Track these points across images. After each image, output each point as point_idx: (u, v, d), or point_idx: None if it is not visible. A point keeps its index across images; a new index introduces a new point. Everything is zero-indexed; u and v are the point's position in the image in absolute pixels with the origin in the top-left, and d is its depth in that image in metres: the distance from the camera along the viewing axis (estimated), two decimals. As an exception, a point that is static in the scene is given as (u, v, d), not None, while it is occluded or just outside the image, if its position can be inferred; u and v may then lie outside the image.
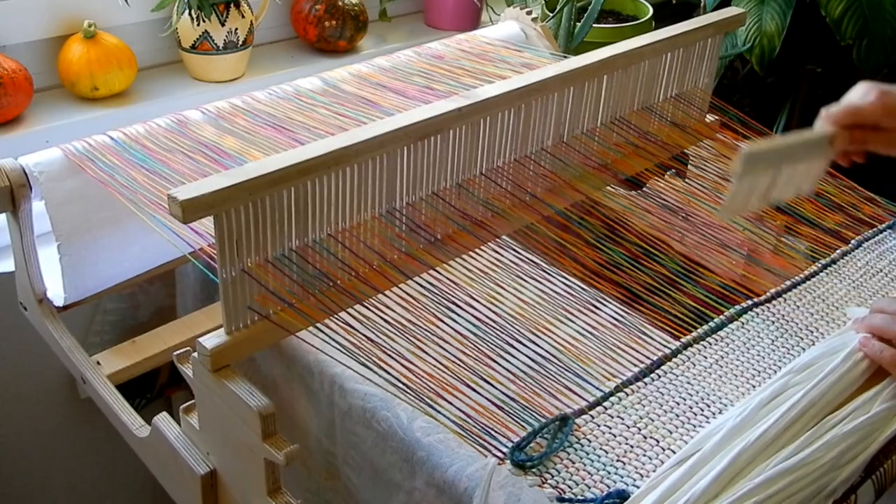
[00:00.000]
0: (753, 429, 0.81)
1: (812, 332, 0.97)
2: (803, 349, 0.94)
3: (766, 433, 0.80)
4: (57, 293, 1.09)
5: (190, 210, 0.77)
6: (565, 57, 1.29)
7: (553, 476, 0.79)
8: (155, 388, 1.44)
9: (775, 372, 0.90)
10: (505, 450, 0.81)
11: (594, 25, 1.73)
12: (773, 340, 0.95)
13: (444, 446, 0.88)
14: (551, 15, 1.74)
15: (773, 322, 0.98)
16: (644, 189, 1.19)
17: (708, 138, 1.30)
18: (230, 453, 0.90)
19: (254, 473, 0.86)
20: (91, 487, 1.56)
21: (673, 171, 1.25)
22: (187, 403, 0.95)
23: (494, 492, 0.79)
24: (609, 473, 0.79)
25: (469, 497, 0.82)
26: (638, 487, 0.78)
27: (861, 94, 0.97)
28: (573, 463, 0.80)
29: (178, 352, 0.92)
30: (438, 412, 0.83)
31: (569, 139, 1.15)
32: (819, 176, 1.01)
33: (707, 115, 1.35)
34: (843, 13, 1.83)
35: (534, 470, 0.79)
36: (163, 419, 0.97)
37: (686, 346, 0.93)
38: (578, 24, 1.73)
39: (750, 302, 1.00)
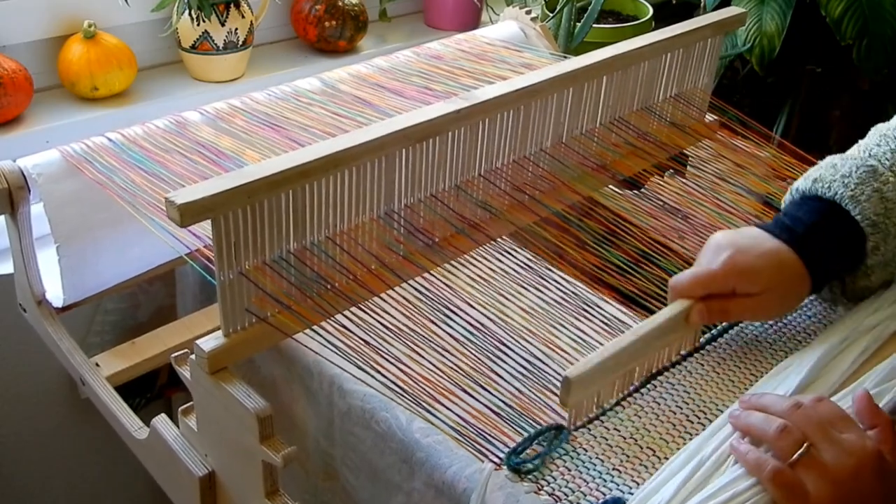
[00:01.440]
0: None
1: (810, 335, 0.97)
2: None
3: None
4: (56, 294, 1.09)
5: (188, 214, 0.77)
6: (565, 57, 1.29)
7: (549, 483, 0.79)
8: (155, 388, 1.44)
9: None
10: (501, 455, 0.81)
11: (594, 25, 1.73)
12: (770, 345, 0.95)
13: (443, 447, 0.88)
14: (551, 15, 1.74)
15: (770, 326, 0.98)
16: (642, 190, 1.19)
17: (707, 138, 1.30)
18: (228, 455, 0.91)
19: (252, 475, 0.86)
20: (91, 487, 1.56)
21: (672, 171, 1.25)
22: (186, 405, 0.95)
23: (493, 493, 0.79)
24: (605, 481, 0.79)
25: (468, 498, 0.82)
26: (633, 496, 0.78)
27: (711, 254, 0.89)
28: (569, 471, 0.80)
29: (176, 354, 0.92)
30: (435, 416, 0.83)
31: (568, 140, 1.15)
32: (690, 338, 0.94)
33: (707, 115, 1.35)
34: (843, 13, 1.83)
35: (530, 476, 0.79)
36: (161, 421, 0.98)
37: (685, 357, 0.93)
38: (578, 24, 1.73)
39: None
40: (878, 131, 1.00)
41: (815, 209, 0.92)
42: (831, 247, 0.91)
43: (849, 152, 0.98)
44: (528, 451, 0.82)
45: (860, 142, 1.00)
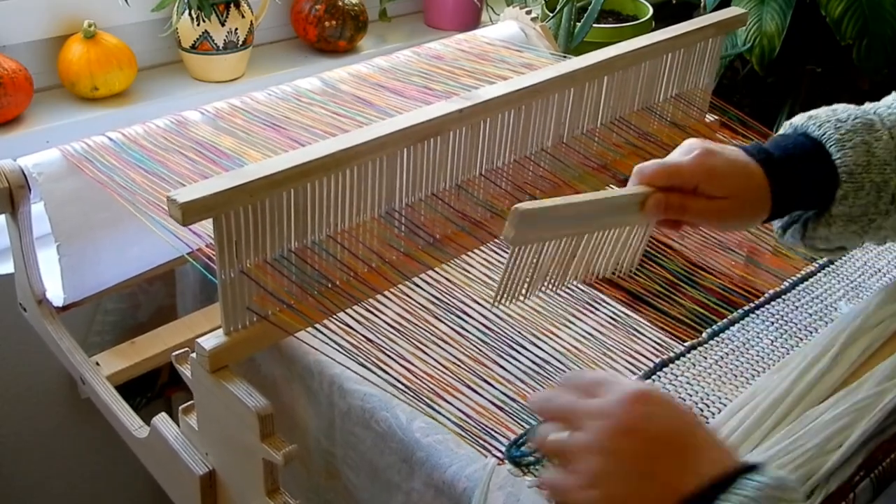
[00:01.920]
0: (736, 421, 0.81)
1: (811, 331, 0.97)
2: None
3: (748, 424, 0.80)
4: (56, 294, 1.09)
5: (190, 212, 0.77)
6: (565, 57, 1.29)
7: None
8: (156, 387, 1.44)
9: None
10: (504, 449, 0.81)
11: (594, 25, 1.73)
12: (772, 340, 0.95)
13: (442, 447, 0.88)
14: (551, 15, 1.74)
15: (773, 322, 0.98)
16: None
17: (708, 138, 1.30)
18: (229, 454, 0.91)
19: (252, 474, 0.86)
20: (91, 487, 1.56)
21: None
22: (186, 404, 0.95)
23: (493, 492, 0.79)
24: None
25: (468, 497, 0.82)
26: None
27: (683, 151, 0.87)
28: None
29: (176, 352, 0.92)
30: (438, 412, 0.83)
31: (569, 140, 1.15)
32: (640, 249, 0.90)
33: (707, 115, 1.35)
34: (843, 13, 1.83)
35: (532, 469, 0.79)
36: (162, 420, 0.98)
37: (689, 350, 0.93)
38: (578, 24, 1.73)
39: (752, 305, 1.00)
40: (894, 96, 0.97)
41: (800, 144, 0.90)
42: (802, 180, 0.88)
43: (861, 106, 0.95)
44: (529, 443, 0.82)
45: (875, 102, 0.97)
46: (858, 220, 0.89)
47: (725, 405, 0.86)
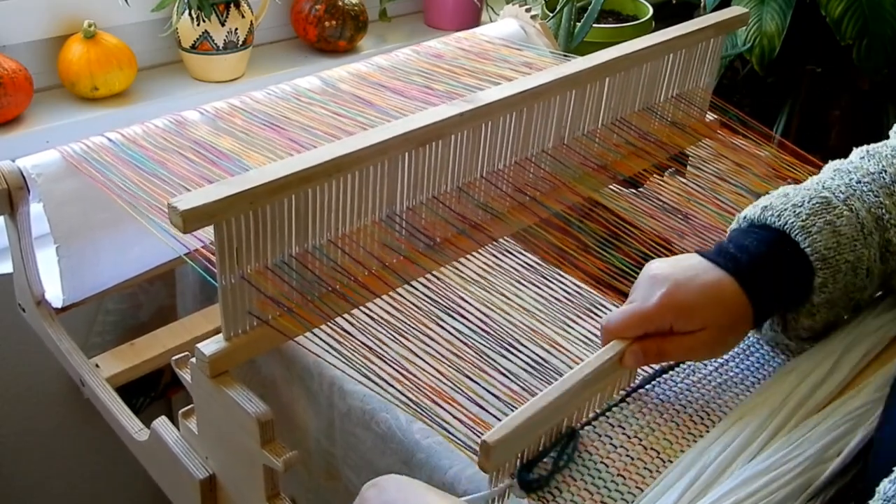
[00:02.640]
0: (734, 431, 0.81)
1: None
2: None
3: (747, 433, 0.80)
4: (55, 295, 1.09)
5: (191, 220, 0.77)
6: (565, 55, 1.29)
7: (555, 497, 0.78)
8: (158, 387, 1.44)
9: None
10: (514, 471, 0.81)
11: (594, 25, 1.73)
12: (772, 347, 0.95)
13: (443, 448, 0.88)
14: (551, 15, 1.74)
15: (773, 327, 0.98)
16: (641, 189, 1.19)
17: (708, 138, 1.30)
18: (229, 458, 0.90)
19: (253, 479, 0.86)
20: (91, 487, 1.56)
21: (672, 170, 1.25)
22: (186, 408, 0.95)
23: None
24: (609, 490, 0.78)
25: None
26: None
27: (645, 288, 0.82)
28: (574, 480, 0.79)
29: (176, 357, 0.92)
30: (436, 422, 0.83)
31: (569, 141, 1.15)
32: (631, 380, 0.87)
33: (707, 115, 1.35)
34: (843, 13, 1.83)
35: (538, 491, 0.78)
36: (162, 423, 0.98)
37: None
38: (578, 24, 1.73)
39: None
40: (831, 166, 0.94)
41: (763, 238, 0.86)
42: (777, 280, 0.85)
43: (802, 185, 0.91)
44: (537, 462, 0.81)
45: (813, 177, 0.93)
46: (840, 302, 0.87)
47: (725, 413, 0.86)
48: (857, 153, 0.93)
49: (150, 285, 1.40)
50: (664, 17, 1.81)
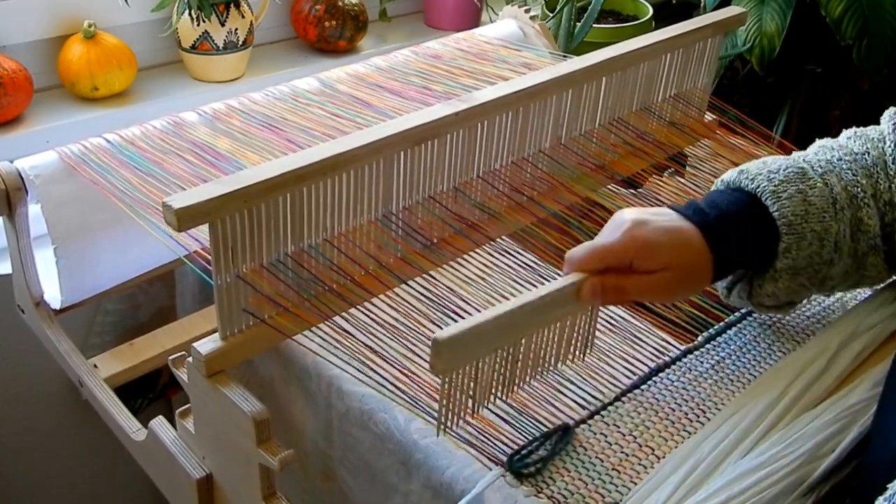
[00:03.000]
0: (728, 427, 0.81)
1: (808, 335, 0.96)
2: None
3: (742, 428, 0.81)
4: (54, 296, 1.09)
5: (185, 218, 0.77)
6: (564, 56, 1.29)
7: (549, 485, 0.79)
8: (157, 388, 1.44)
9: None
10: (502, 457, 0.81)
11: (594, 25, 1.73)
12: (769, 345, 0.95)
13: (441, 448, 0.88)
14: (551, 15, 1.74)
15: (769, 326, 0.98)
16: (640, 190, 1.19)
17: (706, 138, 1.30)
18: (226, 458, 0.91)
19: (249, 478, 0.87)
20: (91, 487, 1.56)
21: (671, 170, 1.25)
22: (183, 408, 0.95)
23: (492, 493, 0.79)
24: (604, 482, 0.79)
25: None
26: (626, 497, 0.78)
27: (612, 227, 0.83)
28: (569, 472, 0.80)
29: (173, 356, 0.92)
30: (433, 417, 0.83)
31: (567, 141, 1.15)
32: (592, 330, 0.86)
33: (706, 115, 1.35)
34: (843, 13, 1.82)
35: (531, 480, 0.79)
36: (159, 423, 0.98)
37: (685, 354, 0.93)
38: (578, 24, 1.72)
39: (748, 308, 1.00)
40: (819, 143, 0.95)
41: (734, 199, 0.87)
42: (742, 238, 0.86)
43: (785, 157, 0.93)
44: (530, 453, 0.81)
45: (798, 151, 0.95)
46: (804, 272, 0.87)
47: (721, 410, 0.86)
48: (845, 133, 0.95)
49: (149, 286, 1.40)
50: (664, 17, 1.80)
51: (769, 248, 0.86)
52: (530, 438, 0.83)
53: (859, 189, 0.88)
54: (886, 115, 0.94)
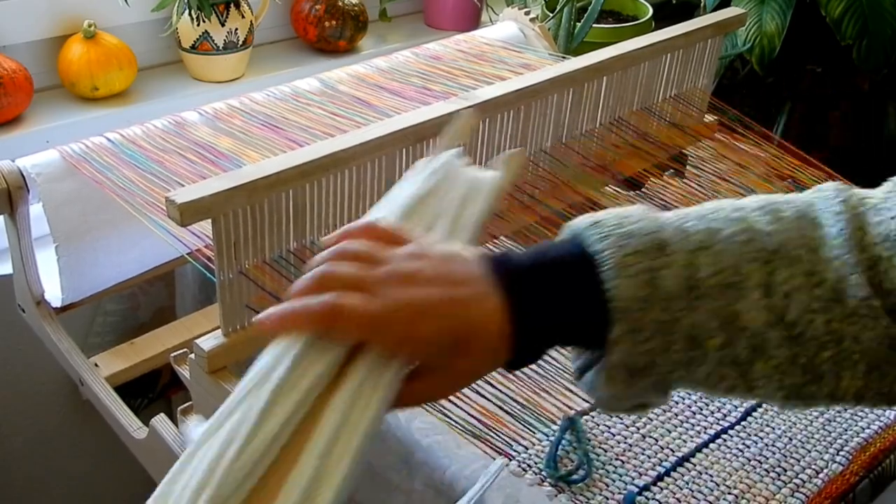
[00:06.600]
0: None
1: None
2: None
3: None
4: (55, 294, 1.09)
5: (188, 213, 0.77)
6: (564, 57, 1.29)
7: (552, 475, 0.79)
8: (157, 388, 1.44)
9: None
10: (510, 451, 0.81)
11: (594, 26, 1.73)
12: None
13: (442, 448, 0.88)
14: (551, 15, 1.74)
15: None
16: (643, 190, 1.19)
17: (707, 138, 1.30)
18: (227, 455, 0.90)
19: (251, 475, 0.86)
20: (91, 487, 1.56)
21: (672, 171, 1.25)
22: (185, 405, 0.95)
23: (492, 492, 0.79)
24: (608, 472, 0.79)
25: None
26: (637, 486, 0.78)
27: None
28: (573, 462, 0.80)
29: (175, 353, 0.92)
30: (439, 412, 0.84)
31: (567, 140, 1.15)
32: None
33: (706, 116, 1.35)
34: (843, 13, 1.83)
35: (533, 469, 0.79)
36: (160, 421, 0.97)
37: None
38: (578, 25, 1.73)
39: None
40: (713, 205, 0.71)
41: (566, 254, 0.67)
42: (555, 306, 0.66)
43: (666, 213, 0.70)
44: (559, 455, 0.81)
45: (688, 209, 0.71)
46: (647, 374, 0.66)
47: (724, 404, 0.86)
48: (755, 200, 0.71)
49: (149, 286, 1.40)
50: (664, 17, 1.81)
51: (600, 335, 0.65)
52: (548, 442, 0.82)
53: (740, 278, 0.66)
54: (829, 191, 0.69)
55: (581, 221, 0.68)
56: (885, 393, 0.66)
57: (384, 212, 0.70)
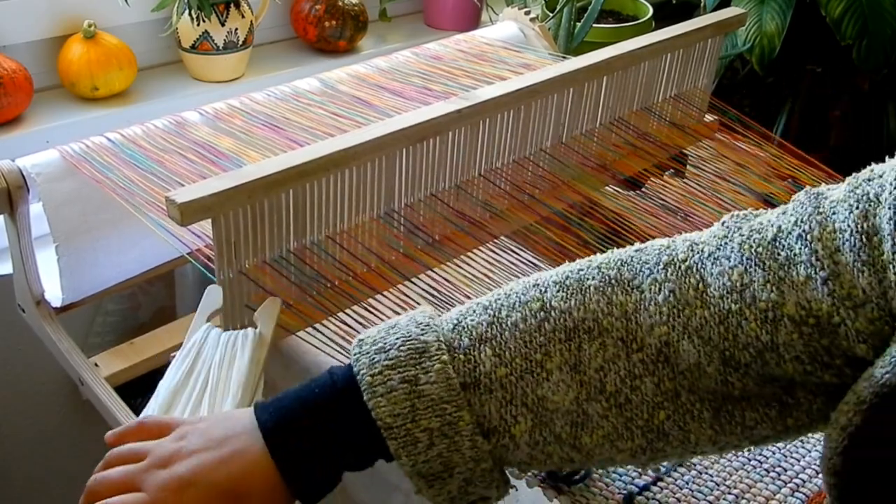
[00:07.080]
0: None
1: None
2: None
3: None
4: (55, 294, 1.09)
5: (188, 212, 0.77)
6: (564, 57, 1.29)
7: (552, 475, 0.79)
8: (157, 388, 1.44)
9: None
10: None
11: (594, 25, 1.73)
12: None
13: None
14: (551, 15, 1.74)
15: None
16: (643, 189, 1.19)
17: (707, 138, 1.30)
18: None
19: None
20: (91, 487, 1.56)
21: (672, 171, 1.25)
22: (185, 405, 0.95)
23: None
24: (608, 472, 0.79)
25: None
26: (637, 486, 0.78)
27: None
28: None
29: (175, 353, 0.92)
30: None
31: (568, 140, 1.15)
32: None
33: (706, 115, 1.35)
34: (843, 13, 1.83)
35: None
36: (161, 420, 0.97)
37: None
38: (578, 25, 1.73)
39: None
40: (519, 288, 0.68)
41: (328, 394, 0.65)
42: (330, 446, 0.65)
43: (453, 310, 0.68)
44: None
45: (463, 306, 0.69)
46: (450, 474, 0.64)
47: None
48: (555, 277, 0.68)
49: (149, 286, 1.40)
50: (664, 17, 1.81)
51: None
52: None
53: (534, 361, 0.63)
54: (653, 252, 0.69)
55: (357, 338, 0.67)
56: (746, 434, 0.64)
57: (151, 408, 0.81)
